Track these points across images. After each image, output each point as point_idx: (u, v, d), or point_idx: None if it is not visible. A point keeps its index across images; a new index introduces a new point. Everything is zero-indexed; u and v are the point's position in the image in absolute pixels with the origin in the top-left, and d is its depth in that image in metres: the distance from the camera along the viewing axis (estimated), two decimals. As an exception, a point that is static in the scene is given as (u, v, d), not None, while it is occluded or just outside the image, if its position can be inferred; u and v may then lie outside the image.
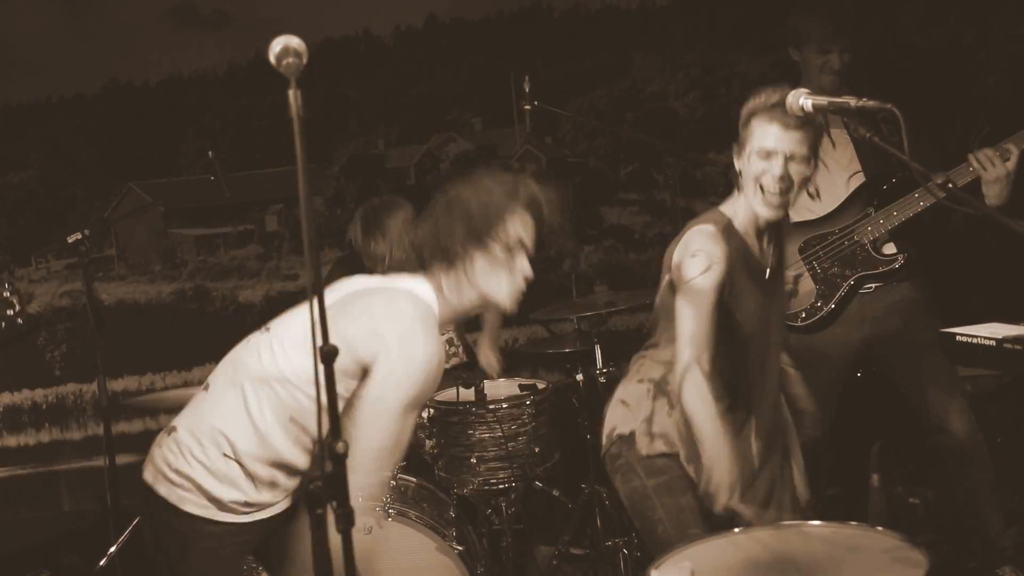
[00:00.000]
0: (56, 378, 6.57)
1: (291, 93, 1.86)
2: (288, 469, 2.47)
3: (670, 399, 2.90)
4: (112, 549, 4.15)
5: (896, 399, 3.81)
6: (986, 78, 5.27)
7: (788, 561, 2.30)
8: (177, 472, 2.45)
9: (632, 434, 2.92)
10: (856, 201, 3.71)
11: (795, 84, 2.78)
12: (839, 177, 3.77)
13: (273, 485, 2.47)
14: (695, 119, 6.44)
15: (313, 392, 2.38)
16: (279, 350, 2.46)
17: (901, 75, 5.11)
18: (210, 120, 6.48)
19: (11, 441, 6.53)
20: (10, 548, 5.12)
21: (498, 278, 2.57)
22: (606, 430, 3.01)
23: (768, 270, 2.94)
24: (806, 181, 2.84)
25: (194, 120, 6.24)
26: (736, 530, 2.53)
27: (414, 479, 3.86)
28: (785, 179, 2.80)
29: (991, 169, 3.37)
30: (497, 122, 6.43)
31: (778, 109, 2.78)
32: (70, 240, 4.18)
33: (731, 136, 2.97)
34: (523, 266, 2.61)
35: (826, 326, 3.66)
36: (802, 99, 2.62)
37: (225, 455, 2.44)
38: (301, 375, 2.42)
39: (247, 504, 2.46)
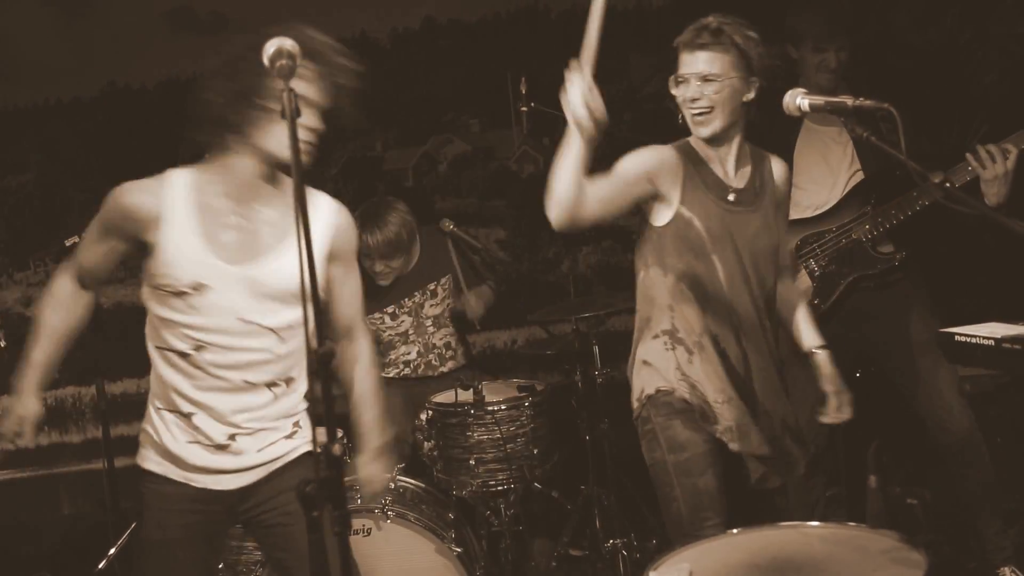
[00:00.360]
0: (55, 381, 6.56)
1: (284, 95, 1.87)
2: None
3: (686, 346, 2.96)
4: (111, 551, 4.15)
5: (892, 399, 3.81)
6: (984, 77, 5.27)
7: (786, 561, 2.30)
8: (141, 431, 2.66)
9: (659, 392, 2.98)
10: (854, 199, 3.71)
11: (793, 82, 2.79)
12: (838, 176, 3.77)
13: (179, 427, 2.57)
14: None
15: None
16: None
17: (898, 74, 5.11)
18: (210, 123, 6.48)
19: (10, 444, 6.52)
20: (10, 551, 5.12)
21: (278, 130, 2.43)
22: (635, 393, 3.07)
23: (735, 191, 3.00)
24: (734, 99, 2.92)
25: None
26: (734, 531, 2.53)
27: (413, 481, 3.86)
28: (698, 99, 2.90)
29: (991, 167, 3.37)
30: (495, 123, 6.42)
31: (689, 34, 2.90)
32: (68, 243, 4.19)
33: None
34: (310, 121, 2.51)
35: (822, 324, 3.66)
36: (799, 99, 2.63)
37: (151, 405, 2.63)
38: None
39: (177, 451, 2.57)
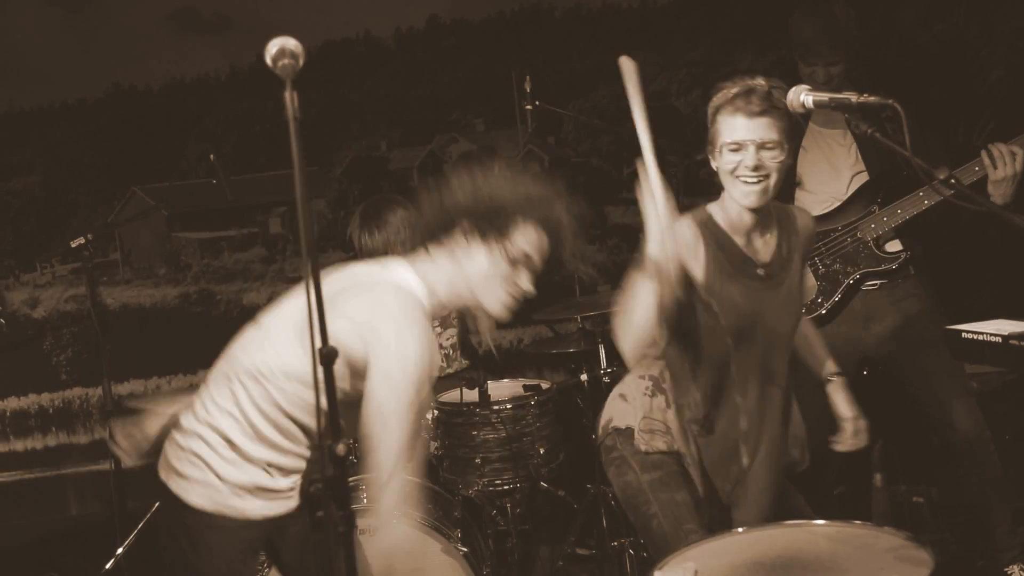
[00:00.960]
0: (62, 382, 6.58)
1: (287, 95, 1.86)
2: (280, 466, 2.47)
3: (667, 396, 2.89)
4: (119, 551, 4.15)
5: (898, 397, 3.79)
6: (990, 73, 5.25)
7: (793, 560, 2.29)
8: (184, 467, 2.48)
9: (629, 429, 2.92)
10: (859, 198, 3.69)
11: (793, 81, 2.77)
12: (842, 174, 3.76)
13: (269, 481, 2.47)
14: (698, 117, 6.42)
15: (305, 390, 2.38)
16: (269, 346, 2.46)
17: (904, 71, 5.10)
18: (212, 124, 6.49)
19: (18, 445, 6.54)
20: (18, 551, 5.13)
21: (493, 283, 2.48)
22: (602, 421, 3.01)
23: (762, 265, 2.90)
24: (784, 167, 2.80)
25: (196, 124, 6.26)
26: (740, 530, 2.52)
27: (419, 480, 3.86)
28: (759, 168, 2.79)
29: (1001, 168, 3.35)
30: (499, 122, 6.43)
31: (740, 99, 2.77)
32: (74, 244, 4.19)
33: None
34: (523, 281, 2.51)
35: (826, 323, 3.64)
36: (803, 95, 2.61)
37: (222, 449, 2.45)
38: (291, 371, 2.42)
39: (255, 491, 2.46)
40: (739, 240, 2.91)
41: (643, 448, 2.89)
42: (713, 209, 2.93)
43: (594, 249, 6.25)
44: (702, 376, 2.87)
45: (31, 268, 6.36)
